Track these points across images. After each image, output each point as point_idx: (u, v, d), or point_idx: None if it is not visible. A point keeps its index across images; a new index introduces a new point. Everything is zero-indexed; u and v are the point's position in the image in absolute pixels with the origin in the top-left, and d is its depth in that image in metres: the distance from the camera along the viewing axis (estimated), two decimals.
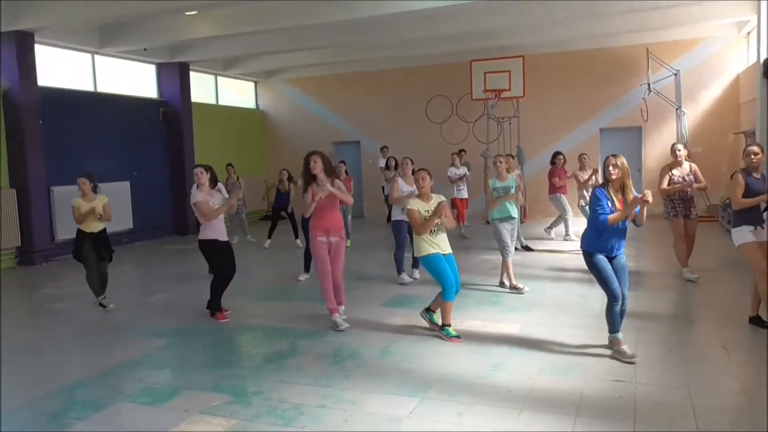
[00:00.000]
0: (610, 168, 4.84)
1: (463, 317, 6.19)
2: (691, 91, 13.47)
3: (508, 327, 5.81)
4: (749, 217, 5.41)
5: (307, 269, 8.50)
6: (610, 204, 4.78)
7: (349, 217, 11.27)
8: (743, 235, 5.44)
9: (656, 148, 13.88)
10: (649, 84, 12.81)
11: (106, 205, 7.29)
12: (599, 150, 14.40)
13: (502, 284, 7.54)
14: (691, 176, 7.43)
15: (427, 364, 4.88)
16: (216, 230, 6.54)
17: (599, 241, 4.87)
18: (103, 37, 12.05)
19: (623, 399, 4.06)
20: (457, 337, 5.51)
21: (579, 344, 5.21)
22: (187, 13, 10.75)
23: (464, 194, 12.04)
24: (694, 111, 13.62)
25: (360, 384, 4.51)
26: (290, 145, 16.89)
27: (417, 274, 8.10)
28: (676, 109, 13.06)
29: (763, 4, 10.48)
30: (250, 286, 8.33)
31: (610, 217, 4.74)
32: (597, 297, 6.83)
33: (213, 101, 16.42)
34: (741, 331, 5.46)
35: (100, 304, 7.22)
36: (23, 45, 10.38)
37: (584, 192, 10.12)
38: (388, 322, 6.13)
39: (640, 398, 4.06)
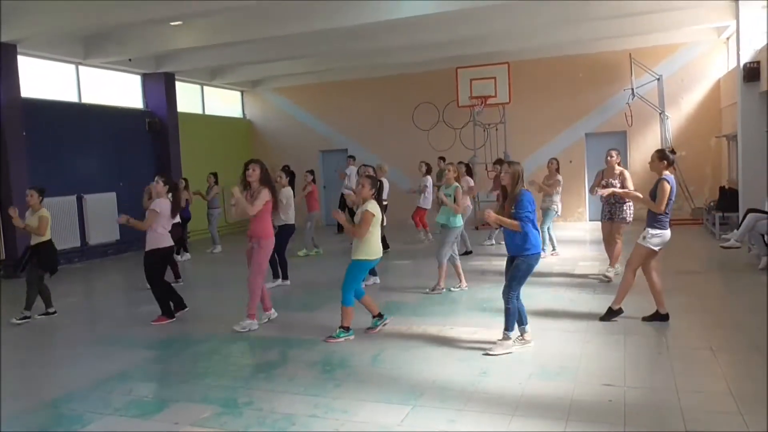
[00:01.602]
0: (503, 174, 5.32)
1: (453, 323, 6.20)
2: (674, 95, 13.64)
3: (498, 332, 5.79)
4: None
5: (275, 276, 8.58)
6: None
7: (309, 224, 11.29)
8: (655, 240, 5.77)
9: (641, 152, 14.01)
10: (632, 89, 12.96)
11: (43, 218, 7.23)
12: (585, 155, 14.53)
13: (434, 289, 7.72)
14: (616, 182, 7.75)
15: (418, 371, 4.88)
16: (167, 238, 6.91)
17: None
18: (88, 47, 11.99)
19: (613, 402, 4.08)
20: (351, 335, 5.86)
21: (568, 349, 5.23)
22: (172, 24, 10.72)
23: (425, 204, 11.81)
24: (677, 115, 13.79)
25: (350, 393, 4.50)
26: (278, 154, 16.87)
27: (371, 279, 8.21)
28: (660, 114, 13.22)
29: (742, 9, 10.66)
30: (235, 296, 8.28)
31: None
32: (585, 301, 6.90)
33: (199, 111, 16.37)
34: (727, 332, 5.51)
35: (24, 318, 7.24)
36: (6, 56, 10.31)
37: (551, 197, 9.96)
38: (378, 330, 6.12)
39: (630, 401, 4.08)
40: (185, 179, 12.13)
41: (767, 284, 6.80)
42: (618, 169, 7.95)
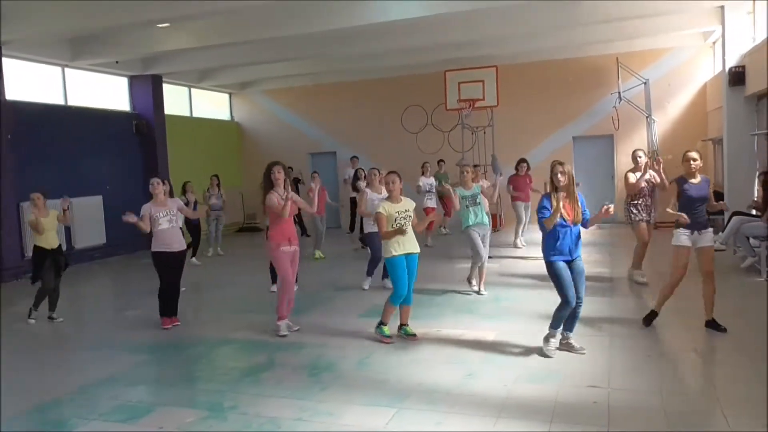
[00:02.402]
0: (558, 175, 5.02)
1: (440, 326, 6.22)
2: (660, 99, 13.74)
3: (485, 335, 5.83)
4: (688, 221, 5.59)
5: (275, 281, 8.49)
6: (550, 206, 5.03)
7: (324, 228, 11.28)
8: (678, 237, 5.65)
9: (628, 155, 14.01)
10: (619, 93, 13.04)
11: (59, 215, 7.33)
12: (573, 158, 14.60)
13: (469, 282, 7.75)
14: (656, 178, 7.61)
15: (404, 374, 4.88)
16: (164, 243, 6.62)
17: (557, 246, 5.03)
18: (74, 49, 11.91)
19: (598, 404, 4.10)
20: (389, 337, 5.76)
21: (554, 352, 5.24)
22: (160, 26, 10.66)
23: (432, 203, 12.03)
24: (664, 119, 13.89)
25: (337, 396, 4.50)
26: (266, 156, 16.59)
27: (389, 283, 8.09)
28: (646, 117, 13.31)
29: (728, 14, 10.77)
30: (225, 299, 8.26)
31: (547, 220, 5.00)
32: None
33: (187, 113, 16.30)
34: (711, 334, 5.56)
35: (30, 317, 7.25)
36: None
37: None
38: (365, 333, 6.11)
39: (614, 403, 4.11)
40: (188, 181, 11.97)
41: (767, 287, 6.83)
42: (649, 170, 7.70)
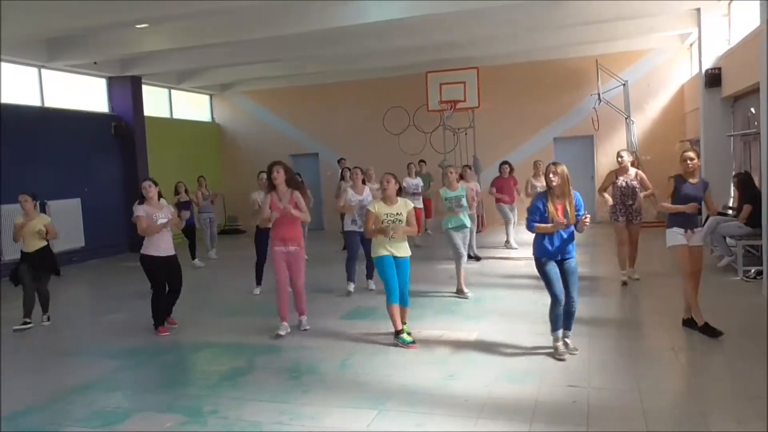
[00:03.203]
0: (551, 176, 5.00)
1: (421, 327, 6.21)
2: (639, 100, 13.91)
3: (466, 335, 5.85)
4: (681, 220, 5.63)
5: (259, 282, 8.43)
6: (544, 210, 5.01)
7: (306, 229, 11.22)
8: (675, 237, 5.66)
9: (608, 156, 14.23)
10: (599, 94, 13.18)
11: (48, 224, 7.23)
12: (553, 158, 14.68)
13: (459, 291, 7.60)
14: (635, 182, 7.69)
15: (385, 376, 4.87)
16: (154, 246, 6.47)
17: (547, 245, 5.04)
18: (51, 50, 11.73)
19: (577, 404, 4.12)
20: (413, 342, 5.58)
21: (535, 351, 5.27)
22: (139, 26, 10.54)
23: (419, 204, 12.05)
24: (643, 120, 14.06)
25: (318, 398, 4.47)
26: (247, 157, 16.73)
27: (372, 285, 8.09)
28: (626, 119, 13.47)
29: (704, 17, 10.92)
30: (206, 302, 8.19)
31: (538, 225, 5.00)
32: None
33: (167, 115, 16.14)
34: (688, 333, 5.62)
35: (24, 324, 7.10)
36: None
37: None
38: (347, 335, 6.10)
39: (593, 402, 4.14)
40: (180, 181, 11.90)
41: (766, 291, 6.92)
42: (633, 170, 7.81)
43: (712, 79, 10.67)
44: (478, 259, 10.01)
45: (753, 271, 7.71)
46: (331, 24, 10.13)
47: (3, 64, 11.49)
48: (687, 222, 5.63)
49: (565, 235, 5.04)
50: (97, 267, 12.03)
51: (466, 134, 14.35)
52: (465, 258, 7.63)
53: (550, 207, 4.97)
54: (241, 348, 5.94)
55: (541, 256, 5.07)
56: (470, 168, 10.85)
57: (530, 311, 6.66)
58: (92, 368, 5.54)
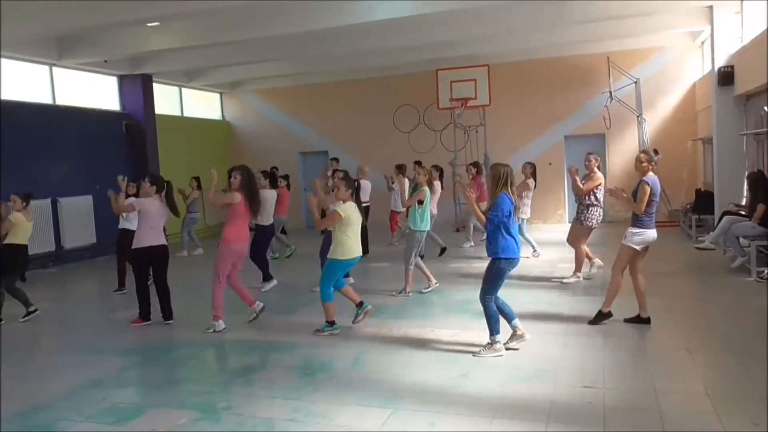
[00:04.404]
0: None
1: (433, 326, 6.20)
2: (651, 98, 13.80)
3: (478, 335, 5.79)
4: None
5: (266, 279, 8.51)
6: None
7: (282, 227, 11.28)
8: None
9: (619, 154, 14.17)
10: (610, 92, 13.09)
11: (10, 224, 7.29)
12: (564, 157, 14.65)
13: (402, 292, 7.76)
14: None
15: (398, 375, 4.86)
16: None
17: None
18: (62, 48, 11.78)
19: (592, 404, 4.10)
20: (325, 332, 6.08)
21: (548, 351, 5.25)
22: (149, 25, 10.58)
23: (397, 206, 11.83)
24: (654, 118, 13.96)
25: (331, 396, 4.47)
26: (257, 155, 16.73)
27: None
28: (637, 117, 13.38)
29: (716, 14, 10.82)
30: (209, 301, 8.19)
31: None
32: (564, 303, 6.93)
33: (178, 113, 16.19)
34: (703, 333, 5.58)
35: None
36: None
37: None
38: (358, 333, 6.10)
39: (609, 403, 4.11)
40: (197, 178, 12.29)
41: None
42: (599, 173, 8.08)
43: (725, 77, 10.57)
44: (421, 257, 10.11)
45: (766, 272, 7.64)
46: (341, 22, 10.11)
47: (15, 62, 11.57)
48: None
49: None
50: (107, 264, 12.04)
51: (476, 132, 14.31)
52: (410, 261, 7.67)
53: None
54: (252, 345, 5.95)
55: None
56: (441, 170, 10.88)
57: (543, 311, 6.63)
58: (103, 364, 5.55)
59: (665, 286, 7.55)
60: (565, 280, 8.05)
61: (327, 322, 6.10)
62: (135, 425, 4.15)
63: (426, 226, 7.76)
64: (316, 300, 7.30)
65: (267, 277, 8.66)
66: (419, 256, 9.88)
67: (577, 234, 8.14)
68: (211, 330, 6.38)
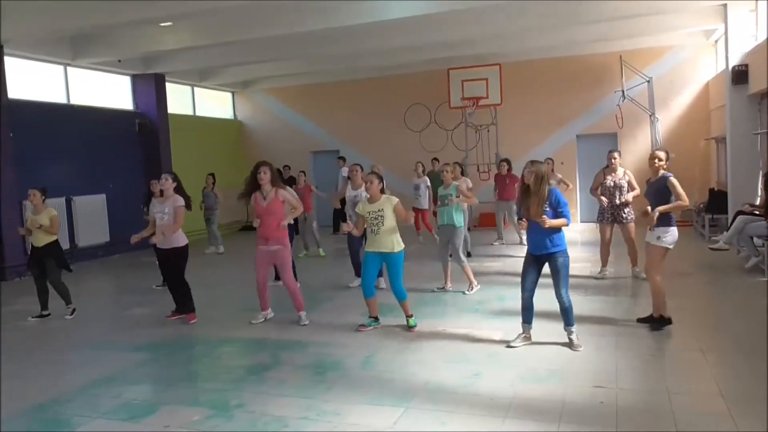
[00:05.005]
0: (526, 174, 5.31)
1: (446, 325, 6.20)
2: (664, 97, 13.71)
3: (490, 334, 5.82)
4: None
5: (277, 278, 8.55)
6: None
7: (314, 224, 11.30)
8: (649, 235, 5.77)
9: (632, 153, 14.06)
10: (623, 91, 13.01)
11: (53, 217, 7.34)
12: (576, 156, 14.59)
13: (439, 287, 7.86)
14: (623, 182, 8.02)
15: (409, 374, 4.87)
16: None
17: (528, 240, 5.50)
18: (76, 48, 11.89)
19: (605, 404, 4.09)
20: (363, 326, 6.15)
21: (560, 351, 5.24)
22: (162, 24, 10.65)
23: (422, 204, 11.78)
24: (667, 117, 13.86)
25: (342, 395, 4.48)
26: (269, 154, 16.73)
27: (382, 283, 8.10)
28: (650, 116, 13.28)
29: (730, 12, 10.74)
30: (228, 298, 8.25)
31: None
32: (578, 303, 6.88)
33: (190, 112, 16.29)
34: (717, 334, 5.54)
35: (41, 315, 7.42)
36: None
37: None
38: (369, 332, 6.11)
39: (622, 403, 4.09)
40: (212, 174, 12.49)
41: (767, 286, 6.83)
42: (621, 169, 8.12)
43: (739, 75, 10.49)
44: (468, 255, 10.01)
45: None
46: (353, 21, 10.14)
47: (30, 62, 11.70)
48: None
49: (539, 232, 5.22)
50: (121, 261, 12.19)
51: (488, 131, 14.27)
52: (455, 257, 7.65)
53: (527, 205, 5.27)
54: (264, 343, 5.98)
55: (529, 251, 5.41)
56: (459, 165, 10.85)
57: (554, 310, 6.58)
58: (117, 361, 5.61)
59: (678, 286, 7.49)
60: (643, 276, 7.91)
61: (409, 316, 6.16)
62: (149, 422, 4.19)
63: (438, 222, 7.80)
64: (327, 299, 7.37)
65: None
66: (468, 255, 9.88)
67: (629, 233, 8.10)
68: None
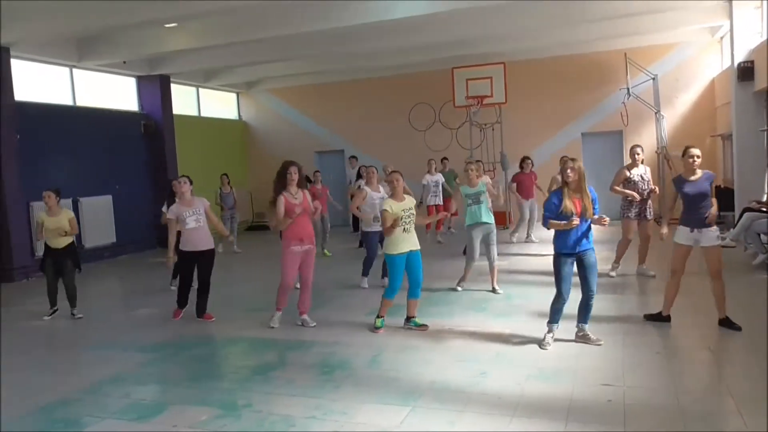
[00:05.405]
0: (568, 171, 5.10)
1: (452, 324, 6.20)
2: (669, 95, 13.67)
3: (497, 333, 5.81)
4: (688, 218, 5.59)
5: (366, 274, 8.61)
6: (558, 205, 5.11)
7: (328, 226, 11.35)
8: (679, 234, 5.66)
9: None
10: (628, 88, 12.98)
11: (72, 219, 7.43)
12: (581, 154, 14.54)
13: (458, 283, 7.77)
14: (648, 177, 7.87)
15: (416, 373, 4.87)
16: (190, 242, 6.77)
17: (562, 240, 5.16)
18: (81, 50, 11.94)
19: (612, 402, 4.08)
20: (378, 329, 6.06)
21: (567, 349, 5.23)
22: (167, 25, 10.68)
23: (437, 201, 11.98)
24: (672, 114, 13.82)
25: (349, 394, 4.49)
26: (273, 155, 16.82)
27: (365, 283, 8.18)
28: (655, 113, 13.25)
29: (735, 9, 10.69)
30: (235, 297, 8.27)
31: (551, 222, 5.14)
32: None
33: (195, 113, 16.33)
34: (725, 332, 5.52)
35: (52, 313, 7.46)
36: None
37: None
38: (376, 331, 6.11)
39: (629, 401, 4.08)
40: (226, 174, 12.55)
41: (767, 282, 6.81)
42: (642, 165, 7.93)
43: (745, 72, 10.45)
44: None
45: None
46: (357, 21, 10.15)
47: (36, 64, 11.76)
48: (693, 221, 5.56)
49: (582, 229, 5.13)
50: (127, 262, 12.24)
51: (493, 130, 14.26)
52: (493, 256, 7.57)
53: (567, 202, 5.06)
54: (271, 343, 5.99)
55: (560, 251, 5.17)
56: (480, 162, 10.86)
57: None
58: (124, 361, 5.64)
59: (685, 284, 7.42)
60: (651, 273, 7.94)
61: (379, 315, 6.18)
62: (157, 422, 4.21)
63: (470, 220, 7.61)
64: (333, 299, 7.36)
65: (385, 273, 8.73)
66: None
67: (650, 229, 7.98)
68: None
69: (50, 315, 7.49)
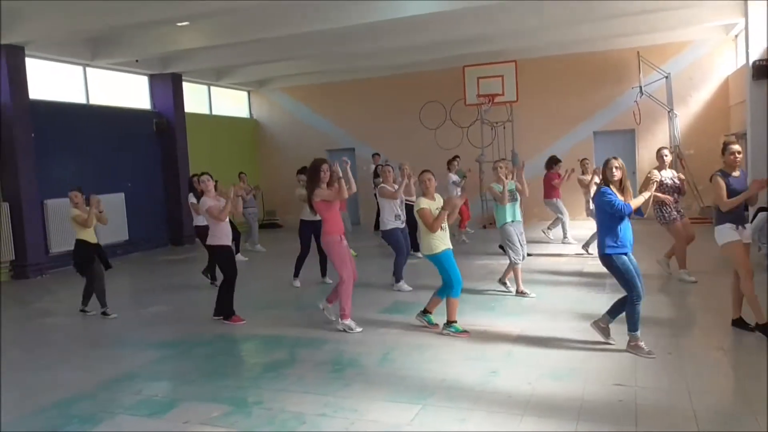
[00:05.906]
0: (614, 170, 5.08)
1: (462, 323, 6.16)
2: (682, 93, 13.56)
3: (507, 332, 5.80)
4: (733, 216, 5.42)
5: (297, 275, 8.58)
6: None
7: (350, 225, 11.39)
8: (728, 233, 5.42)
9: (649, 150, 13.88)
10: (641, 87, 12.90)
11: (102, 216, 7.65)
12: (593, 153, 14.46)
13: (503, 284, 7.52)
14: (677, 179, 7.59)
15: (427, 371, 4.87)
16: (225, 235, 6.79)
17: (620, 238, 4.97)
18: (95, 49, 12.04)
19: (624, 402, 4.05)
20: (466, 332, 5.71)
21: (578, 349, 5.21)
22: (179, 24, 10.74)
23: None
24: (686, 113, 13.70)
25: (360, 392, 4.50)
26: (284, 153, 16.95)
27: (405, 286, 8.04)
28: (668, 112, 13.15)
29: (750, 7, 10.57)
30: (247, 295, 8.29)
31: (633, 202, 5.00)
32: (594, 301, 6.85)
33: (206, 111, 16.41)
34: (738, 333, 5.47)
35: (104, 313, 7.38)
36: (14, 58, 10.34)
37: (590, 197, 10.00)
38: (387, 329, 6.12)
39: (641, 401, 4.06)
40: (242, 173, 12.53)
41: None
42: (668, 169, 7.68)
43: (760, 70, 10.32)
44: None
45: None
46: (368, 19, 10.15)
47: (50, 63, 11.86)
48: (738, 218, 5.44)
49: (631, 228, 5.07)
50: (140, 260, 12.32)
51: (504, 128, 14.22)
52: (522, 256, 7.36)
53: (620, 198, 5.00)
54: (281, 340, 6.02)
55: (614, 251, 4.95)
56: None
57: (572, 308, 6.57)
58: (137, 358, 5.69)
59: (698, 284, 7.42)
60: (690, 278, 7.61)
61: (451, 321, 5.85)
62: (170, 418, 4.24)
63: (509, 218, 7.44)
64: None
65: (325, 273, 8.72)
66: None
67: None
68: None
69: (85, 310, 7.52)
